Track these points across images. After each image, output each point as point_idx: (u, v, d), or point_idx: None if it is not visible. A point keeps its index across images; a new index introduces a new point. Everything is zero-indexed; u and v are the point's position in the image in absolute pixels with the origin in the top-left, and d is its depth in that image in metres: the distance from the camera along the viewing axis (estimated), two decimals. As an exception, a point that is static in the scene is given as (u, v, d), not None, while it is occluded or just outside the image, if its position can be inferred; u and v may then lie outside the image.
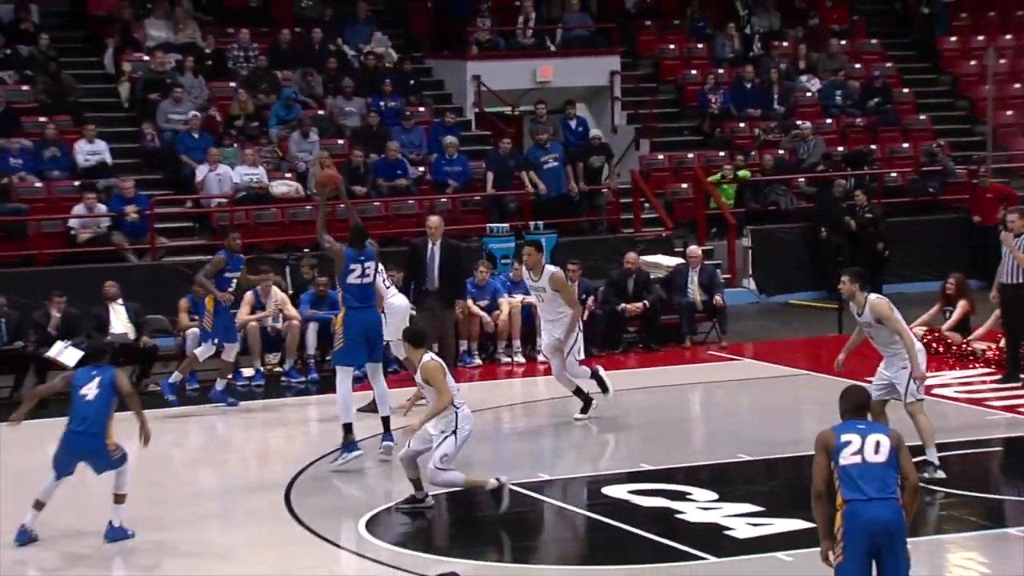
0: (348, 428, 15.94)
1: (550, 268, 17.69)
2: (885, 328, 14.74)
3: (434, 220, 20.66)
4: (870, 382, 14.62)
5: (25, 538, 13.32)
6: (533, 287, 17.83)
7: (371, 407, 17.00)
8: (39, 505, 13.33)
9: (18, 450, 17.42)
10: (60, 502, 13.76)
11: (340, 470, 15.87)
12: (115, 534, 13.25)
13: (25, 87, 26.24)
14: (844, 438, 9.69)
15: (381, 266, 17.00)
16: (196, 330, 20.39)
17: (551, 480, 15.52)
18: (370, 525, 14.06)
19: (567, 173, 26.27)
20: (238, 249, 19.45)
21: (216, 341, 18.92)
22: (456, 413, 13.72)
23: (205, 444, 18.68)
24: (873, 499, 9.52)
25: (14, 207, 23.63)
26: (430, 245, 20.06)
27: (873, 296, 14.90)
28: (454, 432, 13.73)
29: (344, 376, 16.15)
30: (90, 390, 13.18)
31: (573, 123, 27.85)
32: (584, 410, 17.83)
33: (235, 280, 19.17)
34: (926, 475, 14.26)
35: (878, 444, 9.65)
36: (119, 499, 13.29)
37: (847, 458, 9.62)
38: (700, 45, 31.23)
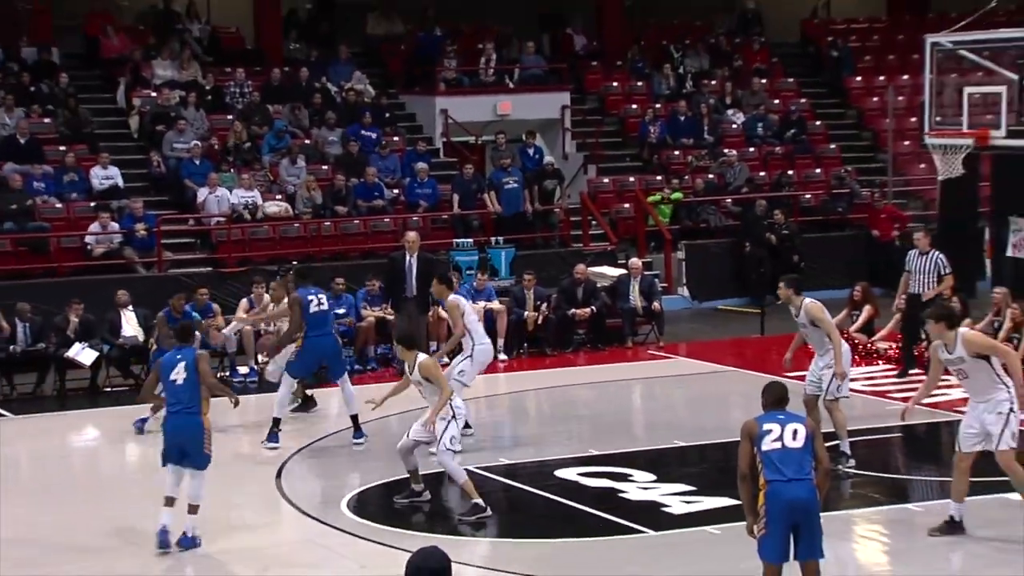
0: (276, 422, 16.34)
1: (451, 297, 16.12)
2: (819, 329, 14.79)
3: (412, 235, 20.61)
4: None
5: (165, 540, 12.36)
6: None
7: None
8: (169, 502, 12.51)
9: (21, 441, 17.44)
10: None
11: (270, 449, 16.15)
12: (187, 543, 12.41)
13: (47, 120, 26.07)
14: (766, 427, 9.73)
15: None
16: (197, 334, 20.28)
17: (511, 464, 15.51)
18: (350, 504, 14.07)
19: (524, 195, 26.27)
20: (179, 310, 18.74)
21: None
22: (451, 402, 13.58)
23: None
24: (792, 480, 9.57)
25: (37, 225, 23.49)
26: (408, 258, 20.02)
27: (808, 300, 14.91)
28: (453, 417, 13.60)
29: (287, 382, 16.53)
30: (178, 374, 12.58)
31: (530, 151, 27.83)
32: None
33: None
34: (839, 466, 14.32)
35: (795, 432, 9.71)
36: (194, 510, 12.41)
37: (768, 444, 9.66)
38: (640, 83, 31.26)
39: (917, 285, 18.77)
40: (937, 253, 18.75)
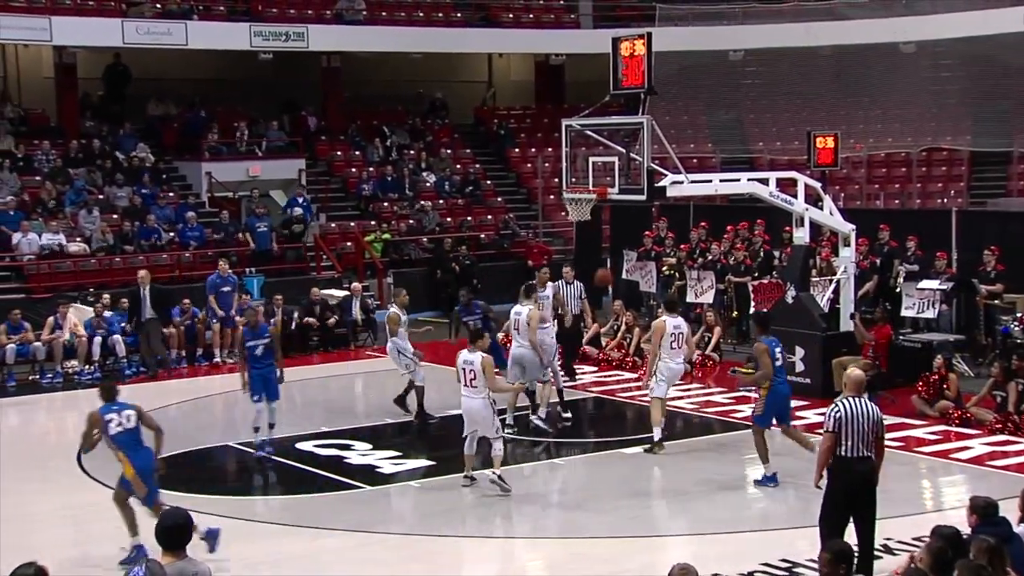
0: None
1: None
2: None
3: (143, 273, 20.68)
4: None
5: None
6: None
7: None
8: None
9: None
10: None
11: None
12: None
13: None
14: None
15: None
16: (13, 346, 19.25)
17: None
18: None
19: (271, 235, 25.83)
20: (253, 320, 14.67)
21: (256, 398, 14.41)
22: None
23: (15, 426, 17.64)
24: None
25: None
26: (142, 290, 20.08)
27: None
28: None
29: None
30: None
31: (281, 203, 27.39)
32: None
33: (262, 345, 14.21)
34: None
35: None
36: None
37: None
38: (358, 152, 31.12)
39: (567, 308, 18.49)
40: (579, 283, 18.70)
